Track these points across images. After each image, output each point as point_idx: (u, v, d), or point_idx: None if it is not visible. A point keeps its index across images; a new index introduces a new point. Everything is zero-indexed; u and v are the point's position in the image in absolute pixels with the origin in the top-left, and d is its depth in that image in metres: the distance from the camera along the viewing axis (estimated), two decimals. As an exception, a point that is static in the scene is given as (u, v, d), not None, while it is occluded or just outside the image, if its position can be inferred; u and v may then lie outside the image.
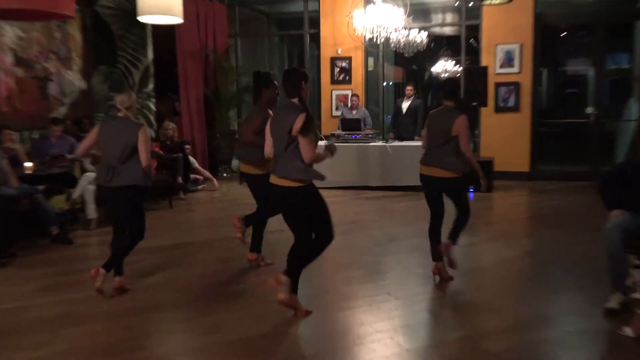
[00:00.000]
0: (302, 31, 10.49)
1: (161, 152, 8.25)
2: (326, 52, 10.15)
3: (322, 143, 4.63)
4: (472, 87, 8.46)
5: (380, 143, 8.63)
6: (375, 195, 8.21)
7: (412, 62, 13.94)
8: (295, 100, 3.65)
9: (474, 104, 8.50)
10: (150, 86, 9.75)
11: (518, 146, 9.24)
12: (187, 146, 8.88)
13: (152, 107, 9.81)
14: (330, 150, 3.80)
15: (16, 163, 6.03)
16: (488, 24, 9.23)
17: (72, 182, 6.54)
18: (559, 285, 4.34)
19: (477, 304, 4.04)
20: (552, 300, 4.06)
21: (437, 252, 4.46)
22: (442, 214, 4.49)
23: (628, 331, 3.36)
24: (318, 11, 10.07)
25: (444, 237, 4.47)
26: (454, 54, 13.14)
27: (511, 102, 9.24)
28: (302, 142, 3.51)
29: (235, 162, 10.86)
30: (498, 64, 9.21)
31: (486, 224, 6.52)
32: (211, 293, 4.29)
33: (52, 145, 6.86)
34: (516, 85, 9.17)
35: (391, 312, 3.83)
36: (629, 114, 9.93)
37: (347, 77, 10.09)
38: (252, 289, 4.37)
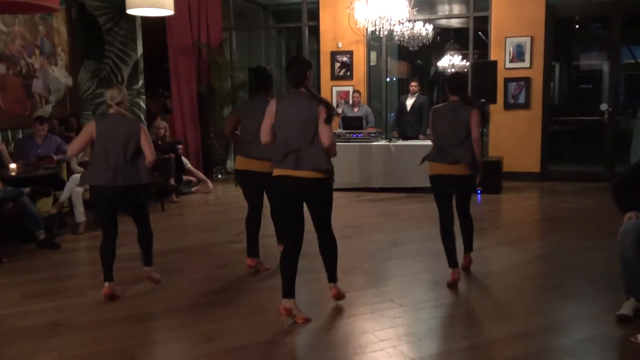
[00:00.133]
0: (300, 24, 10.53)
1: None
2: (326, 46, 10.20)
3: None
4: (481, 83, 8.51)
5: (383, 142, 8.68)
6: (378, 197, 8.27)
7: (417, 57, 13.99)
8: (302, 89, 3.77)
9: (482, 100, 8.55)
10: (140, 82, 9.80)
11: (528, 145, 9.29)
12: (180, 146, 8.92)
13: (142, 104, 9.86)
14: None
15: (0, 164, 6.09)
16: (497, 15, 9.29)
17: (60, 184, 6.59)
18: (570, 291, 4.40)
19: (484, 311, 4.09)
20: (563, 306, 4.11)
21: (455, 258, 4.52)
22: (453, 216, 4.61)
23: (642, 339, 3.41)
24: (317, 2, 10.12)
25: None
26: (461, 48, 13.21)
27: (521, 99, 9.29)
28: (327, 130, 3.68)
29: (230, 163, 10.93)
30: (508, 58, 9.26)
31: (495, 227, 6.58)
32: (205, 300, 4.34)
33: (38, 145, 6.91)
34: (527, 81, 9.22)
35: (395, 320, 3.87)
36: (645, 111, 9.98)
37: (349, 73, 10.14)
38: (249, 296, 4.42)
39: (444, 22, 12.38)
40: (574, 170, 9.95)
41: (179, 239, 6.24)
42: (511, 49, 9.24)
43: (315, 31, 10.37)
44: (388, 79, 10.67)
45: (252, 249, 4.96)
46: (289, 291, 3.79)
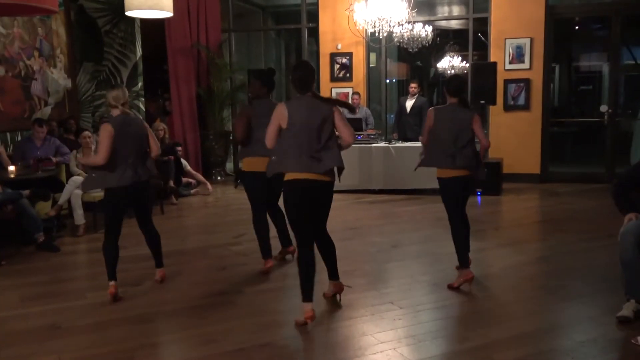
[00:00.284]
0: (299, 25, 10.54)
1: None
2: (325, 48, 10.22)
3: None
4: (480, 84, 8.53)
5: (383, 144, 8.68)
6: (378, 199, 8.28)
7: (416, 58, 14.01)
8: (310, 94, 3.86)
9: (482, 102, 8.57)
10: (139, 84, 9.81)
11: (528, 147, 9.30)
12: (179, 148, 8.94)
13: (142, 106, 9.87)
14: None
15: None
16: (497, 16, 9.31)
17: (59, 186, 6.60)
18: (571, 293, 4.41)
19: (485, 313, 4.10)
20: (564, 308, 4.12)
21: (468, 259, 4.56)
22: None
23: (642, 341, 3.42)
24: (317, 4, 10.13)
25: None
26: (461, 49, 13.23)
27: (521, 100, 9.30)
28: (347, 127, 3.86)
29: (229, 165, 10.95)
30: (507, 59, 9.28)
31: (495, 228, 6.59)
32: (205, 302, 4.34)
33: (37, 147, 6.93)
34: (526, 82, 9.24)
35: (394, 322, 3.88)
36: (645, 112, 10.01)
37: (348, 74, 10.15)
38: (249, 298, 4.42)
39: (443, 24, 12.42)
40: (574, 171, 9.97)
41: (179, 241, 6.25)
42: (511, 50, 9.26)
43: (314, 33, 10.38)
44: (387, 81, 10.68)
45: (267, 250, 5.03)
46: (311, 295, 3.83)
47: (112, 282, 4.37)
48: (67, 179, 6.74)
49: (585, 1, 9.88)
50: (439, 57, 14.21)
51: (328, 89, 10.24)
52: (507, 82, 9.27)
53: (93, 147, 6.67)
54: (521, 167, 9.27)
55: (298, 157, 3.76)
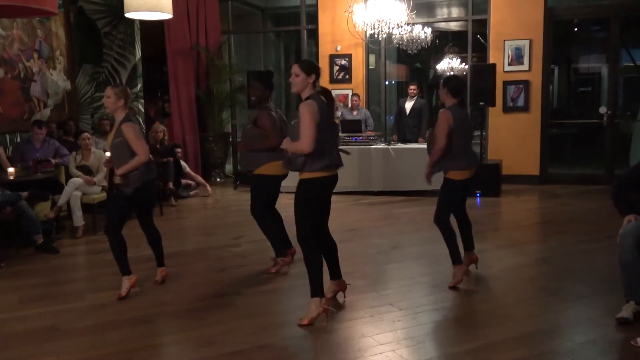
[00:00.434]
0: (299, 27, 10.55)
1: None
2: (325, 50, 10.23)
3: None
4: (479, 86, 8.54)
5: (382, 145, 8.69)
6: (378, 201, 8.28)
7: (415, 60, 14.05)
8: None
9: (481, 103, 8.59)
10: (139, 86, 9.82)
11: (527, 148, 9.31)
12: (178, 149, 8.95)
13: (141, 108, 9.87)
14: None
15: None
16: (496, 18, 9.32)
17: (58, 188, 6.59)
18: (570, 294, 4.40)
19: (484, 314, 4.10)
20: (563, 309, 4.12)
21: (459, 255, 4.67)
22: None
23: (642, 342, 3.42)
24: (316, 6, 10.15)
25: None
26: (460, 51, 13.25)
27: (520, 102, 9.31)
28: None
29: (228, 167, 10.95)
30: (507, 61, 9.29)
31: (495, 230, 6.58)
32: (204, 304, 4.34)
33: (36, 149, 6.92)
34: (526, 84, 9.24)
35: (394, 324, 3.88)
36: (644, 114, 10.01)
37: (347, 76, 10.16)
38: (248, 300, 4.42)
39: (442, 25, 12.44)
40: (573, 173, 9.98)
41: (178, 242, 6.24)
42: (510, 52, 9.27)
43: (314, 34, 10.39)
44: (387, 82, 10.69)
45: (285, 239, 5.09)
46: (322, 289, 3.88)
47: (131, 275, 4.51)
48: (67, 181, 6.73)
49: (584, 3, 9.89)
50: (438, 59, 14.24)
51: (327, 90, 10.21)
52: (506, 83, 9.28)
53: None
54: (520, 168, 9.28)
55: (329, 157, 3.80)
